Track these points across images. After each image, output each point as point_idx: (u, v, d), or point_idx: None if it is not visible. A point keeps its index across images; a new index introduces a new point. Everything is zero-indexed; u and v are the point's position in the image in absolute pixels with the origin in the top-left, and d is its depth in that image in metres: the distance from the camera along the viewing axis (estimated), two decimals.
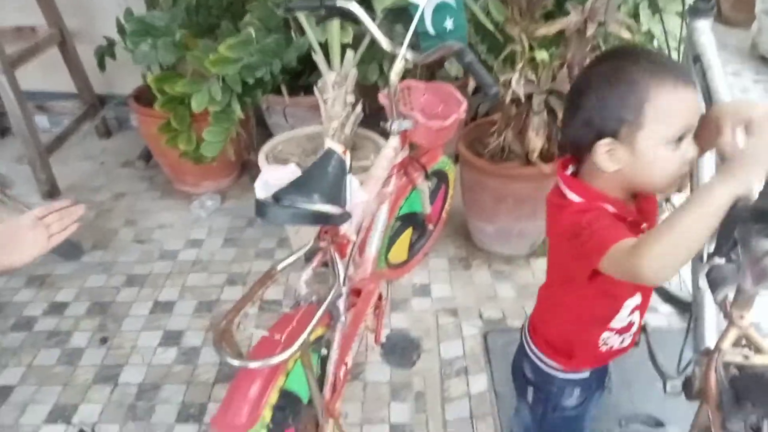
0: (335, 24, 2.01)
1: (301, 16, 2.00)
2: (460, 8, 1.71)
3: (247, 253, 2.39)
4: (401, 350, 1.87)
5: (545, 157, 2.03)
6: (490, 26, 2.04)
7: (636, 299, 1.08)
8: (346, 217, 1.31)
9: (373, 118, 2.21)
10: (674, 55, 2.52)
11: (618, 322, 1.08)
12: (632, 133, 0.87)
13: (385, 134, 1.71)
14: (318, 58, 2.06)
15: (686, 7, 1.49)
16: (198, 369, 1.86)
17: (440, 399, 1.74)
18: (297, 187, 1.24)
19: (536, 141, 1.97)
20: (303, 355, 1.22)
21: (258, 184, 1.25)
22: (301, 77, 2.62)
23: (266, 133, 2.87)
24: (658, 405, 1.67)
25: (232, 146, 2.42)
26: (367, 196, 1.50)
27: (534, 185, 2.05)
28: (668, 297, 2.05)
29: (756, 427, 1.05)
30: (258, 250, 2.40)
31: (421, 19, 1.65)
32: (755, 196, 0.76)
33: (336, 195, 1.32)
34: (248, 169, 2.88)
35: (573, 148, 0.98)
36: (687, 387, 1.32)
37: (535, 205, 2.10)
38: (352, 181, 1.40)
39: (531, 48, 1.99)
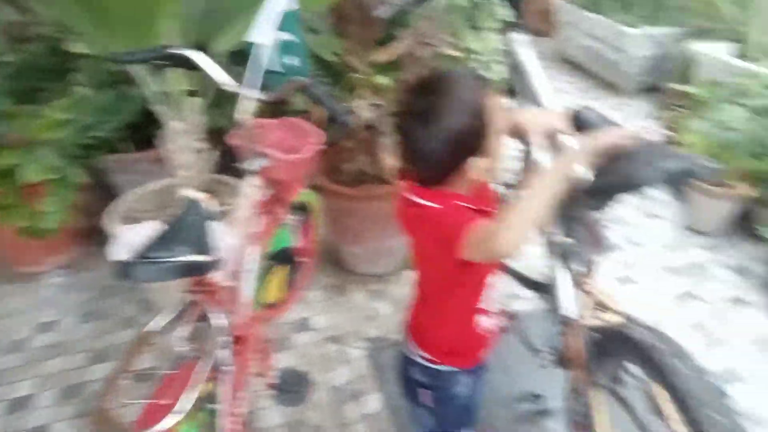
0: (174, 72, 1.97)
1: (136, 68, 1.93)
2: (303, 45, 1.76)
3: (108, 325, 2.21)
4: (292, 388, 1.84)
5: (399, 174, 2.14)
6: (331, 58, 2.12)
7: (495, 278, 1.18)
8: (215, 264, 1.28)
9: (231, 162, 2.19)
10: (493, 66, 2.79)
11: (489, 303, 1.18)
12: (487, 143, 0.98)
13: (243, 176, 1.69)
14: (159, 109, 2.00)
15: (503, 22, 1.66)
16: None
17: (338, 427, 1.74)
18: (160, 241, 1.20)
19: (390, 162, 2.07)
20: (193, 416, 1.17)
21: (116, 247, 1.19)
22: (143, 130, 2.51)
23: (110, 195, 2.70)
24: (535, 381, 1.81)
25: (75, 214, 2.25)
26: (234, 240, 1.48)
27: (393, 203, 2.14)
28: (527, 282, 2.23)
29: (614, 388, 1.19)
30: (120, 320, 2.23)
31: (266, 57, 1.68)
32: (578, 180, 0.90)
33: (202, 244, 1.29)
34: (95, 236, 2.67)
35: (437, 173, 1.02)
36: (558, 357, 1.45)
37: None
38: (216, 228, 1.38)
39: (372, 74, 2.10)
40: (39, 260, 2.51)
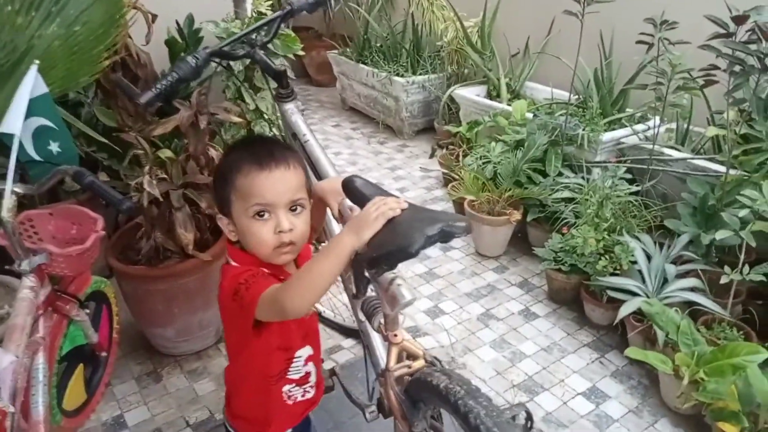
0: None
1: None
2: (63, 128, 1.65)
3: None
4: None
5: (202, 246, 2.08)
6: (101, 138, 2.01)
7: (307, 350, 1.25)
8: None
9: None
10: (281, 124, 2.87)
11: (295, 373, 1.25)
12: (231, 211, 1.13)
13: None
14: None
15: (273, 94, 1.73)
16: None
17: None
18: None
19: (187, 235, 2.00)
20: None
21: None
22: None
23: None
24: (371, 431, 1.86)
25: None
26: (13, 355, 1.32)
27: (199, 276, 2.08)
28: (344, 330, 2.31)
29: (434, 425, 1.29)
30: None
31: (22, 146, 1.54)
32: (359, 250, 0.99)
33: None
34: None
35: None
36: (381, 408, 1.51)
37: (205, 294, 2.12)
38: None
39: (155, 147, 2.03)
40: None
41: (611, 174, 2.55)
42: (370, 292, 1.40)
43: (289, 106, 1.69)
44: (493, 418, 0.94)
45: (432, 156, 3.83)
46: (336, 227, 1.67)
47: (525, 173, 2.85)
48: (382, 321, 1.38)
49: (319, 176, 1.51)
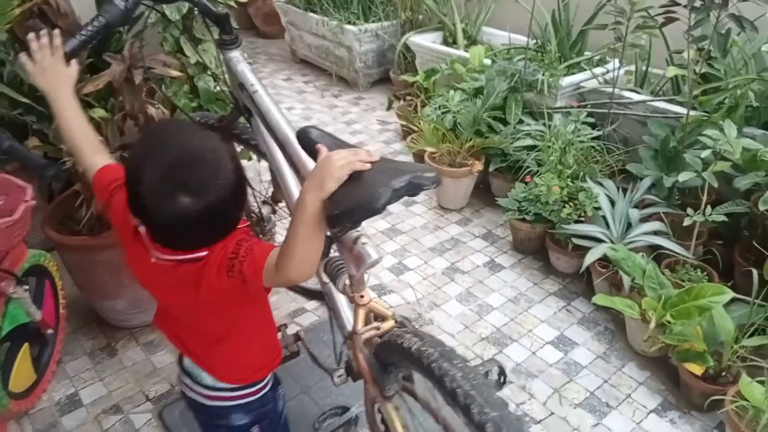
0: None
1: None
2: None
3: None
4: None
5: None
6: (25, 99, 1.83)
7: None
8: None
9: None
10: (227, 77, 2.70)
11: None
12: None
13: None
14: None
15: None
16: None
17: None
18: None
19: None
20: None
21: None
22: None
23: None
24: (338, 395, 1.81)
25: None
26: None
27: None
28: (307, 293, 2.23)
29: (406, 386, 1.23)
30: None
31: None
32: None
33: None
34: None
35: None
36: (350, 372, 1.45)
37: None
38: None
39: (87, 107, 1.85)
40: None
41: (574, 119, 2.50)
42: (333, 252, 1.32)
43: (234, 54, 1.54)
44: (470, 380, 0.88)
45: (389, 108, 3.72)
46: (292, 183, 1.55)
47: (485, 122, 2.77)
48: (347, 282, 1.31)
49: (271, 129, 1.39)
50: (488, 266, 2.42)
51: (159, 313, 1.20)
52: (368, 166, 0.90)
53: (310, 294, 2.25)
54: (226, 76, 2.81)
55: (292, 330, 1.57)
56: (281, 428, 1.28)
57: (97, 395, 1.88)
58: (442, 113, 2.87)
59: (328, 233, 1.13)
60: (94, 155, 1.12)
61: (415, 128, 3.07)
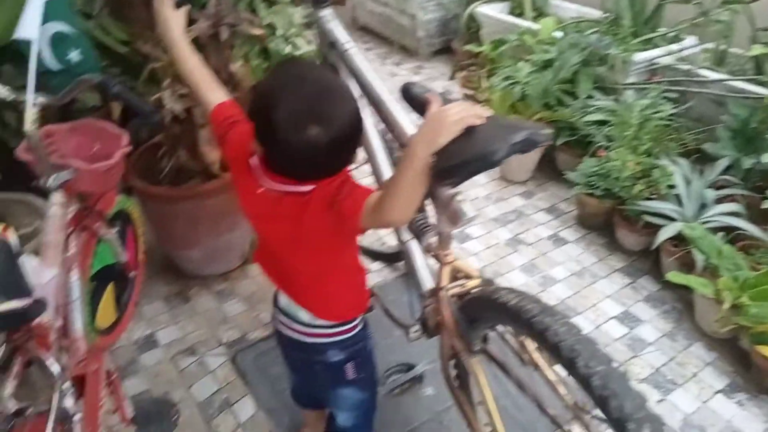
0: None
1: None
2: (82, 36, 1.53)
3: None
4: (157, 416, 1.67)
5: (227, 166, 2.00)
6: (120, 48, 1.88)
7: None
8: (40, 306, 1.08)
9: (11, 176, 1.87)
10: (297, 41, 2.72)
11: None
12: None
13: (35, 191, 1.46)
14: None
15: None
16: None
17: None
18: None
19: (211, 153, 1.92)
20: None
21: None
22: None
23: None
24: (404, 352, 1.85)
25: None
26: (54, 271, 1.27)
27: (225, 197, 2.01)
28: (375, 255, 2.27)
29: (485, 338, 1.26)
30: None
31: (40, 55, 1.43)
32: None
33: (14, 285, 1.08)
34: None
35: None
36: (425, 328, 1.49)
37: (231, 216, 2.06)
38: (27, 262, 1.16)
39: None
40: None
41: (653, 94, 2.44)
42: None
43: (326, 13, 1.56)
44: (573, 335, 0.89)
45: (452, 78, 3.69)
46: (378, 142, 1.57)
47: (554, 95, 2.73)
48: (434, 240, 1.34)
49: (363, 87, 1.41)
50: (552, 239, 2.41)
51: (261, 248, 1.24)
52: (482, 121, 0.91)
53: (376, 256, 2.29)
54: (296, 40, 2.84)
55: None
56: (371, 366, 1.33)
57: (172, 337, 1.97)
58: (510, 85, 2.83)
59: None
60: (212, 92, 1.18)
61: (479, 99, 3.04)
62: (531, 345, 1.18)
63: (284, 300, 1.22)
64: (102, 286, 1.83)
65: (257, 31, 2.05)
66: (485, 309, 1.13)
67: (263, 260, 1.25)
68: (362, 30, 4.75)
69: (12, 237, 1.15)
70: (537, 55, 2.91)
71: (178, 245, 2.15)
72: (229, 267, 2.24)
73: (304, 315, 1.19)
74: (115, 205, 1.82)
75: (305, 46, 2.78)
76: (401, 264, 2.26)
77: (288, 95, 0.91)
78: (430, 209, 1.25)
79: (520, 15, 3.57)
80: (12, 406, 1.11)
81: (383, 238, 2.36)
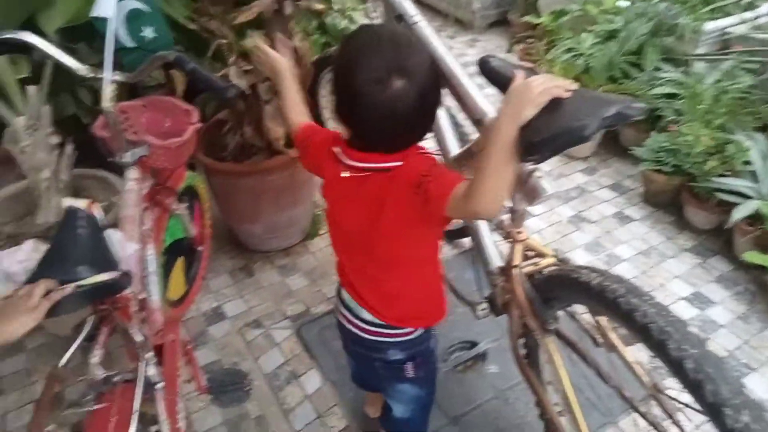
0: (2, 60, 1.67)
1: None
2: (157, 13, 1.55)
3: None
4: (230, 386, 1.73)
5: (289, 142, 2.02)
6: (187, 23, 1.90)
7: None
8: (128, 278, 1.12)
9: (85, 152, 1.93)
10: (355, 15, 2.71)
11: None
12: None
13: (107, 166, 1.50)
14: None
15: None
16: None
17: (281, 414, 1.67)
18: (53, 264, 1.02)
19: (276, 129, 1.94)
20: None
21: None
22: None
23: None
24: (467, 329, 1.85)
25: None
26: (135, 244, 1.31)
27: (288, 173, 2.03)
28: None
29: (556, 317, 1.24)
30: (1, 348, 1.94)
31: (115, 33, 1.46)
32: None
33: (102, 259, 1.13)
34: None
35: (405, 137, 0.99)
36: (492, 306, 1.48)
37: (293, 191, 2.09)
38: (113, 235, 1.21)
39: (236, 38, 1.92)
40: None
41: (729, 65, 2.32)
42: None
43: None
44: (663, 316, 0.87)
45: (510, 50, 3.60)
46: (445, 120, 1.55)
47: (620, 67, 2.63)
48: (506, 217, 1.32)
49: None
50: (617, 217, 2.34)
51: (335, 239, 1.19)
52: (568, 93, 0.87)
53: (452, 234, 2.27)
54: (352, 14, 2.82)
55: None
56: (431, 365, 1.30)
57: (238, 310, 2.02)
58: (573, 57, 2.74)
59: None
60: (300, 115, 1.23)
61: (541, 72, 2.95)
62: (607, 325, 1.16)
63: (347, 294, 1.20)
64: (172, 259, 1.88)
65: (319, 6, 2.04)
66: (563, 288, 1.10)
67: (337, 250, 1.21)
68: (415, 2, 4.66)
69: (98, 212, 1.19)
70: (601, 25, 2.81)
71: (242, 220, 2.19)
72: (290, 242, 2.27)
73: (366, 313, 1.16)
74: (185, 180, 1.87)
75: (362, 19, 2.76)
76: (462, 241, 2.25)
77: (367, 55, 0.90)
78: None
79: None
80: (100, 373, 1.16)
81: None
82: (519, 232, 1.26)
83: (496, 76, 1.05)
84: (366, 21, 2.70)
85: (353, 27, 2.64)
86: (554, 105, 0.87)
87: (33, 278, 1.00)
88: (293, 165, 2.02)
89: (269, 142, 2.02)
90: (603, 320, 1.14)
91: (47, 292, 0.97)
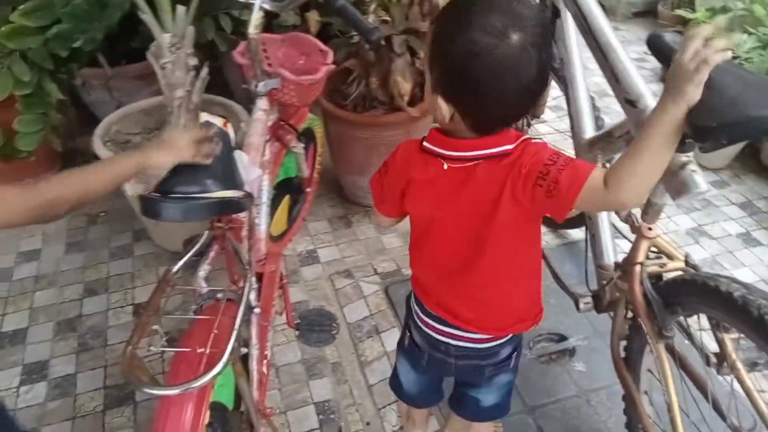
0: None
1: None
2: None
3: (99, 255, 2.07)
4: (318, 327, 1.77)
5: (412, 100, 1.99)
6: None
7: None
8: (249, 200, 1.15)
9: (212, 79, 2.00)
10: None
11: None
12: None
13: (229, 95, 1.53)
14: (147, 17, 1.76)
15: None
16: (79, 399, 1.59)
17: (358, 365, 1.69)
18: (185, 174, 1.06)
19: (404, 85, 1.92)
20: (234, 364, 1.08)
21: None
22: (117, 43, 2.25)
23: (85, 114, 2.47)
24: (557, 320, 1.78)
25: (54, 134, 2.03)
26: (260, 171, 1.34)
27: (404, 130, 2.02)
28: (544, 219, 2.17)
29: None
30: (112, 250, 2.09)
31: None
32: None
33: (230, 176, 1.16)
34: (73, 159, 2.46)
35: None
36: (597, 302, 1.40)
37: None
38: (241, 157, 1.24)
39: None
40: (12, 184, 2.27)
41: None
42: None
43: None
44: None
45: None
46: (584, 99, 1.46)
47: None
48: (635, 211, 1.23)
49: (590, 31, 1.29)
50: (742, 238, 2.16)
51: (422, 256, 1.06)
52: (728, 55, 0.74)
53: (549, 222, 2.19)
54: None
55: None
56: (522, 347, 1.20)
57: (332, 257, 2.05)
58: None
59: None
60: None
61: None
62: (732, 345, 1.06)
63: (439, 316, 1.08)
64: (281, 195, 1.92)
65: None
66: (694, 294, 1.01)
67: (426, 275, 1.09)
68: None
69: (231, 131, 1.22)
70: (766, 28, 2.55)
71: (351, 170, 2.20)
72: None
73: (468, 331, 1.06)
74: (306, 121, 1.89)
75: None
76: (566, 232, 2.16)
77: (479, 9, 0.80)
78: None
79: None
80: (205, 287, 1.20)
81: None
82: (649, 228, 1.17)
83: (666, 55, 0.95)
84: None
85: None
86: (734, 86, 0.78)
87: (164, 185, 1.03)
88: (411, 123, 2.00)
89: (391, 96, 2.00)
90: (728, 338, 1.04)
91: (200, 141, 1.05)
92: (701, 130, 0.78)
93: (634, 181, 0.79)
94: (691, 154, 1.01)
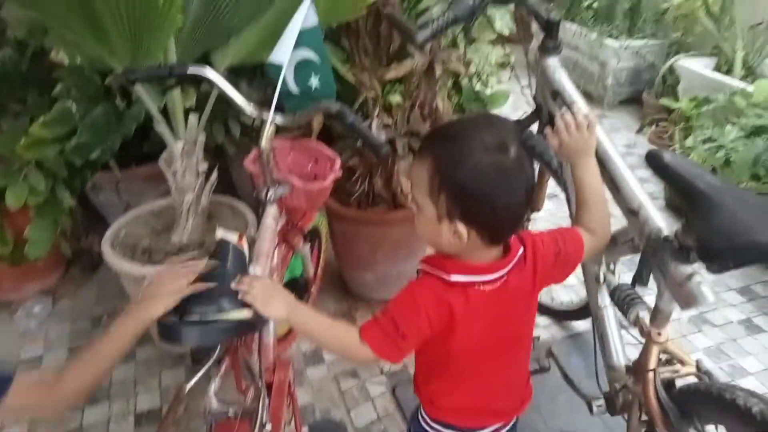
0: (177, 89, 1.82)
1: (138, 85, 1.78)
2: (326, 64, 1.63)
3: None
4: None
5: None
6: (349, 77, 2.00)
7: None
8: (263, 320, 1.16)
9: (222, 179, 2.06)
10: (491, 80, 2.73)
11: None
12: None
13: (234, 191, 1.57)
14: (161, 127, 1.84)
15: (536, 44, 1.60)
16: None
17: None
18: (199, 295, 1.07)
19: (407, 184, 1.98)
20: None
21: None
22: (129, 148, 2.33)
23: (93, 215, 2.51)
24: (567, 420, 1.76)
25: (63, 238, 2.06)
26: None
27: (408, 227, 2.06)
28: (544, 309, 2.19)
29: None
30: None
31: (284, 78, 1.56)
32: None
33: None
34: (78, 260, 2.48)
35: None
36: (610, 404, 1.39)
37: (410, 246, 2.11)
38: (255, 270, 1.26)
39: (382, 92, 2.00)
40: (16, 287, 2.29)
41: None
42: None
43: (553, 61, 1.54)
44: None
45: (640, 131, 3.50)
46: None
47: (765, 165, 2.47)
48: (644, 315, 1.25)
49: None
50: (744, 325, 2.17)
51: (467, 392, 1.08)
52: None
53: (545, 311, 2.20)
54: (486, 77, 2.83)
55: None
56: None
57: (336, 357, 2.03)
58: (712, 148, 2.62)
59: (656, 264, 1.07)
60: (349, 329, 1.10)
61: None
62: None
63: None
64: None
65: (460, 69, 2.10)
66: (710, 405, 1.02)
67: (464, 398, 1.08)
68: None
69: (245, 246, 1.25)
70: (748, 119, 2.67)
71: (356, 266, 2.23)
72: (395, 294, 2.27)
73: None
74: (312, 222, 1.94)
75: (496, 85, 2.79)
76: (570, 323, 2.16)
77: (475, 134, 0.87)
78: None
79: (727, 72, 3.31)
80: (216, 404, 1.19)
81: (552, 293, 2.27)
82: (659, 333, 1.19)
83: (672, 177, 1.00)
84: (500, 86, 2.73)
85: (487, 90, 2.67)
86: (744, 209, 0.82)
87: (181, 307, 1.04)
88: (413, 221, 2.04)
89: (394, 194, 2.06)
90: None
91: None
92: (707, 250, 0.81)
93: (606, 216, 1.03)
94: (695, 264, 1.05)
